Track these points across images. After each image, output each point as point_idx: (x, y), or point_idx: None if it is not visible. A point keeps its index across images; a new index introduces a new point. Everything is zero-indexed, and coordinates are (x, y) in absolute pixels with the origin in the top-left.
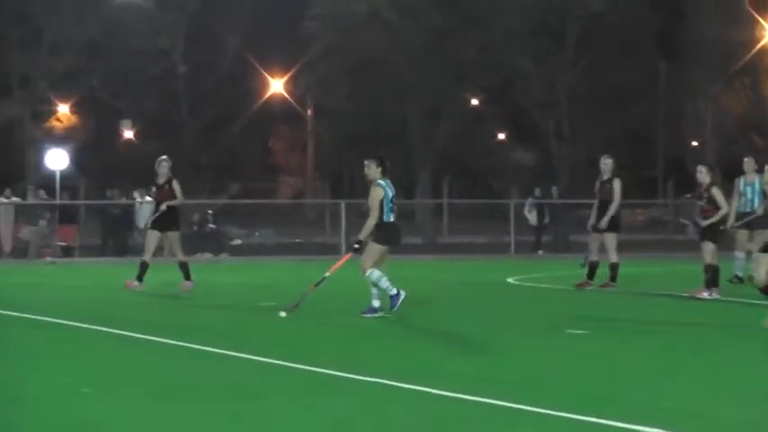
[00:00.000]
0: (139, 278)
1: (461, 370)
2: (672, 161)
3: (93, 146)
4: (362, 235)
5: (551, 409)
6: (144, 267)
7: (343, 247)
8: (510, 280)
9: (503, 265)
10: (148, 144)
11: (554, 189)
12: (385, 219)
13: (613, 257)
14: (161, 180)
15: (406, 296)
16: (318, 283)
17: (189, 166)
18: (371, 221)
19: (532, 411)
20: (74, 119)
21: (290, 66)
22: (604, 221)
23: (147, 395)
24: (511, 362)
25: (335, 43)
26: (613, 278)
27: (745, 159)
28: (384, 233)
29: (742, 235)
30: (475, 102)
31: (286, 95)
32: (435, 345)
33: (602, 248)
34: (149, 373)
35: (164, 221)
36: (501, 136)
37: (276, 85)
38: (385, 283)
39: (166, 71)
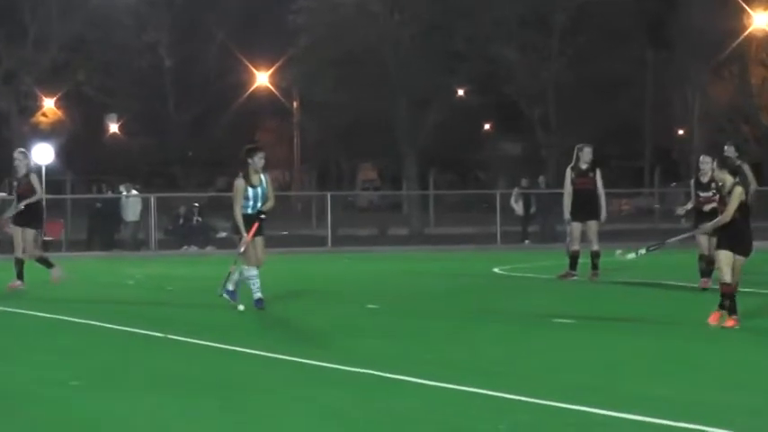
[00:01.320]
0: (19, 277)
1: (448, 360)
2: (659, 150)
3: (79, 140)
4: (266, 207)
5: (539, 398)
6: (20, 265)
7: (330, 239)
8: (496, 270)
9: (489, 256)
10: (135, 138)
11: (541, 179)
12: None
13: (595, 246)
14: (19, 173)
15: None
16: (242, 253)
17: (176, 160)
18: (273, 203)
19: (520, 400)
20: (59, 114)
21: (277, 58)
22: (603, 215)
23: (132, 388)
24: (497, 352)
25: (321, 36)
26: (595, 266)
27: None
28: None
29: None
30: (461, 92)
31: (272, 88)
32: (421, 335)
33: (584, 238)
34: (134, 366)
35: (23, 217)
36: (487, 126)
37: (262, 78)
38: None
39: (152, 65)
